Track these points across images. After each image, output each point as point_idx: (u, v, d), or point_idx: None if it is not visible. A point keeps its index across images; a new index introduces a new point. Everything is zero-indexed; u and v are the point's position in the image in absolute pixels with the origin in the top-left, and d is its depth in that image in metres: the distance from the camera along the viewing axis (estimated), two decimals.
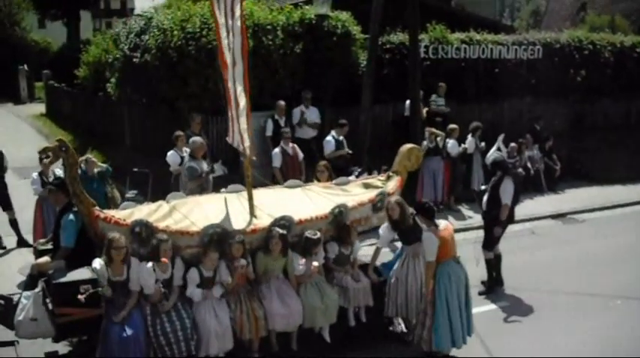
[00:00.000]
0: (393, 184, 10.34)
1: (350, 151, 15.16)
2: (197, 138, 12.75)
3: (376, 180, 10.71)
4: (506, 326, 10.39)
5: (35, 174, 12.18)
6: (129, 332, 7.98)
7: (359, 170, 14.15)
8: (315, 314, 8.88)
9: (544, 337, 9.92)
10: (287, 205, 9.58)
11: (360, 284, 9.36)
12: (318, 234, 9.02)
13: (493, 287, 11.61)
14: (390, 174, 10.60)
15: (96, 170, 12.36)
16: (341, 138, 15.12)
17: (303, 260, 8.97)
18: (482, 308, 10.89)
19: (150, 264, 8.23)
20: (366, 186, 10.54)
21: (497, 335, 9.94)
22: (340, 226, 9.44)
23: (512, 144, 16.76)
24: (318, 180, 11.32)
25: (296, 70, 16.58)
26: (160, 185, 13.31)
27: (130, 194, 12.32)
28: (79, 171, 12.27)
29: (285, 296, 8.81)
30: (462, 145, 16.41)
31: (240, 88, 8.91)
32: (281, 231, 8.77)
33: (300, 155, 14.49)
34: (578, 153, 20.26)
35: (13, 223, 13.59)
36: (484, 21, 23.64)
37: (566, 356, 9.32)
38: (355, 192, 10.31)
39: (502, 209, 11.24)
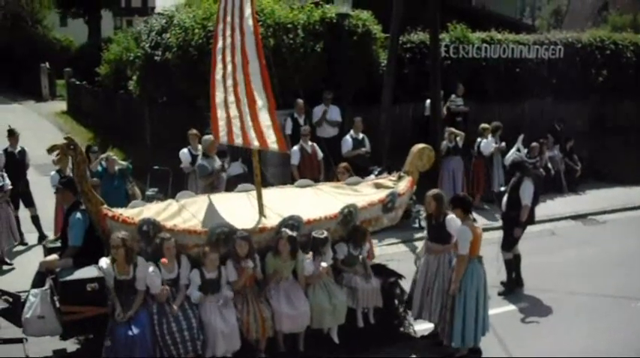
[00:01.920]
0: (405, 184, 10.28)
1: (369, 151, 15.15)
2: (209, 136, 12.84)
3: (387, 180, 10.67)
4: (526, 327, 10.35)
5: (53, 172, 12.27)
6: (135, 331, 8.01)
7: (379, 169, 14.21)
8: (323, 315, 8.87)
9: (564, 338, 9.87)
10: (296, 205, 9.57)
11: (369, 285, 9.32)
12: (326, 234, 9.01)
13: (513, 288, 11.56)
14: (402, 174, 10.53)
15: (117, 168, 12.46)
16: (361, 136, 15.13)
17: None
18: (501, 309, 10.87)
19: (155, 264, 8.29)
20: (377, 186, 10.49)
21: (516, 336, 9.92)
22: (353, 228, 9.42)
23: (533, 145, 16.68)
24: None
25: (316, 69, 16.58)
26: (180, 183, 13.40)
27: (151, 191, 12.46)
28: (100, 169, 12.44)
29: (293, 297, 8.78)
30: (494, 145, 16.33)
31: (258, 86, 8.87)
32: (290, 232, 8.72)
33: (320, 154, 14.50)
34: (599, 154, 20.11)
35: (35, 220, 13.71)
36: (505, 20, 23.51)
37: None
38: (366, 192, 10.27)
39: (522, 210, 11.19)
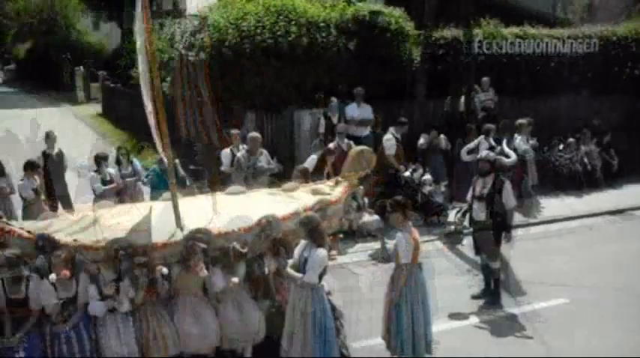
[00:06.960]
0: (339, 191, 9.73)
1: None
2: (252, 134, 12.97)
3: (325, 186, 10.16)
4: (566, 323, 10.21)
5: (92, 174, 12.43)
6: (22, 355, 7.47)
7: (413, 167, 14.17)
8: (234, 334, 8.28)
9: (607, 334, 9.77)
10: (215, 215, 8.86)
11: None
12: (238, 246, 8.30)
13: (496, 299, 10.92)
14: (339, 179, 10.05)
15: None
16: (399, 135, 15.03)
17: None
18: (540, 305, 10.78)
19: (51, 279, 7.65)
20: (314, 192, 9.86)
21: (557, 331, 9.85)
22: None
23: (570, 140, 16.44)
24: None
25: (349, 67, 16.57)
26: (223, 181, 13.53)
27: None
28: (157, 169, 12.56)
29: (201, 315, 8.16)
30: (531, 141, 15.85)
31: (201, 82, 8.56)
32: (203, 245, 8.04)
33: None
34: (636, 148, 19.84)
35: None
36: (538, 15, 23.30)
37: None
38: (302, 199, 9.64)
39: (509, 213, 10.64)
